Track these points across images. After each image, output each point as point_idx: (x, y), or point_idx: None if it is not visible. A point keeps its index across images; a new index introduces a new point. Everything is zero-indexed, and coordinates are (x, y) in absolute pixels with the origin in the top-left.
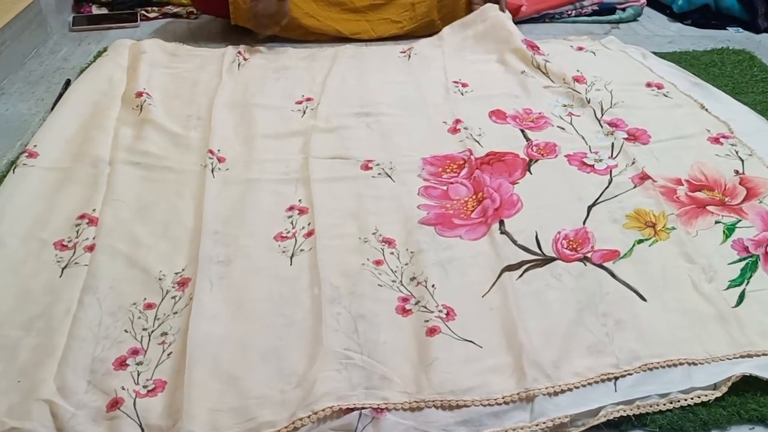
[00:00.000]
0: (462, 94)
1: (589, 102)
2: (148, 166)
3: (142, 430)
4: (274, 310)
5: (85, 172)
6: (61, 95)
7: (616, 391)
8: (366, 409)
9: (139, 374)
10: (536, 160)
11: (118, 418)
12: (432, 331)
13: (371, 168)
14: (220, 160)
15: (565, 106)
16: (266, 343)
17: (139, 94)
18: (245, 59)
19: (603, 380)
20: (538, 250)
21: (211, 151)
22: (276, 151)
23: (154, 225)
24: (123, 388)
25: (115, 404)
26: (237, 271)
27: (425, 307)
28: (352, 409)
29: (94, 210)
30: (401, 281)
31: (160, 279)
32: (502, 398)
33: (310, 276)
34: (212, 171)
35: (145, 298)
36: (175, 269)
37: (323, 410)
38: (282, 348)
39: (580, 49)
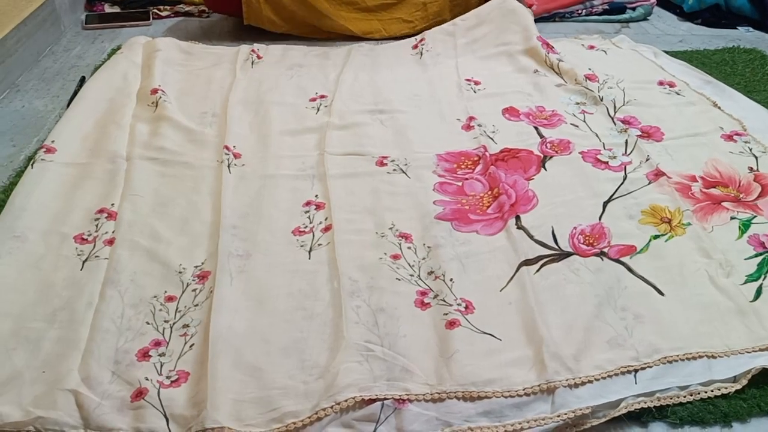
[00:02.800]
0: (475, 92)
1: (602, 100)
2: (164, 162)
3: (167, 419)
4: (294, 303)
5: (102, 167)
6: (76, 92)
7: (636, 383)
8: (388, 399)
9: (162, 365)
10: (551, 157)
11: (143, 408)
12: (451, 324)
13: (386, 164)
14: (236, 156)
15: (578, 104)
16: (288, 336)
17: (154, 91)
18: (259, 57)
19: (623, 373)
20: (554, 245)
21: (227, 147)
22: (292, 147)
23: (173, 220)
24: (147, 379)
25: (139, 394)
26: (256, 264)
27: (444, 301)
28: (375, 400)
29: (112, 204)
30: (419, 275)
31: (180, 272)
32: (524, 390)
33: (328, 270)
34: (228, 166)
35: (165, 291)
36: (195, 263)
37: (346, 401)
38: (303, 340)
39: (592, 47)
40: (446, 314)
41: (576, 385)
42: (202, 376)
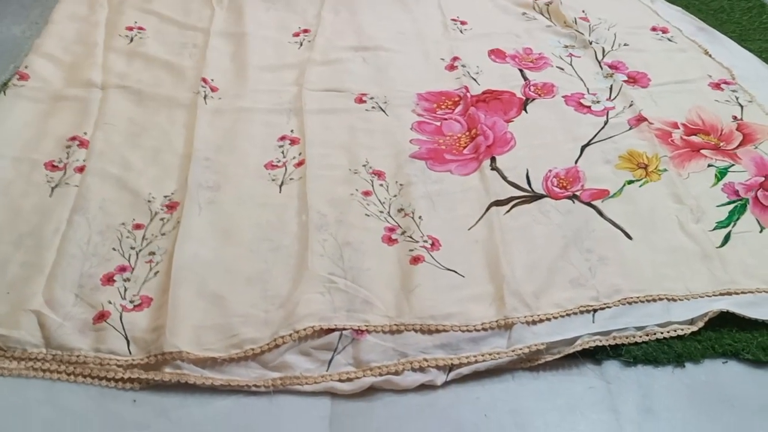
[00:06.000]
0: (461, 32)
1: (591, 44)
2: (140, 92)
3: (128, 341)
4: (261, 235)
5: (76, 95)
6: None
7: (593, 322)
8: (347, 330)
9: (126, 290)
10: (533, 100)
11: (105, 330)
12: (416, 260)
13: (365, 101)
14: (213, 89)
15: (567, 47)
16: (252, 266)
17: (130, 28)
18: None
19: (582, 312)
20: (527, 187)
21: (204, 80)
22: (270, 82)
23: (145, 150)
24: (110, 302)
25: (101, 317)
26: (226, 196)
27: (411, 237)
28: (333, 330)
29: (85, 133)
30: (389, 212)
31: (149, 201)
32: (481, 325)
33: (298, 204)
34: (204, 98)
35: (133, 219)
36: (165, 192)
37: (305, 329)
38: (267, 271)
39: None
40: (412, 250)
41: (534, 322)
42: (165, 302)
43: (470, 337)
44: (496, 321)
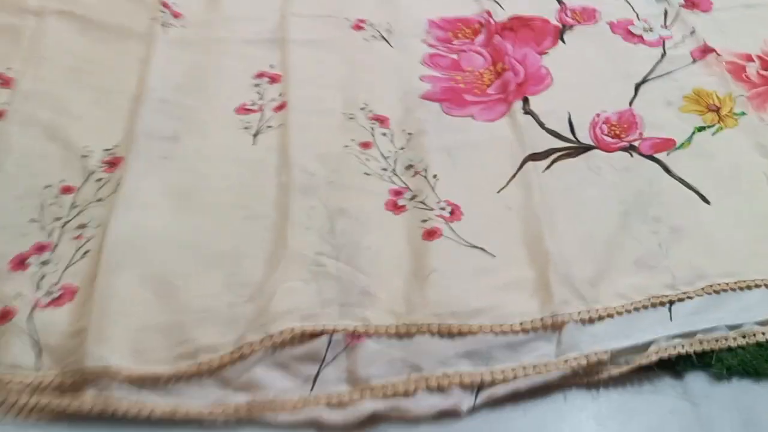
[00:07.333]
0: None
1: None
2: (85, 19)
3: (39, 351)
4: (228, 200)
5: (3, 22)
6: None
7: (671, 319)
8: (339, 333)
9: (42, 277)
10: (571, 27)
11: (6, 335)
12: (431, 234)
13: (364, 29)
14: (176, 15)
15: None
16: (215, 243)
17: None
18: None
19: (654, 305)
20: (571, 136)
21: (164, 4)
22: (246, 7)
23: (87, 90)
24: (18, 295)
25: (4, 316)
26: (185, 150)
27: (423, 203)
28: (321, 333)
29: (8, 69)
30: (394, 169)
31: (84, 156)
32: (521, 325)
33: (277, 159)
34: (162, 26)
35: (62, 180)
36: (106, 145)
37: (281, 333)
38: (235, 249)
39: None
40: (425, 221)
41: (591, 320)
42: (94, 293)
43: (506, 342)
44: (541, 319)
